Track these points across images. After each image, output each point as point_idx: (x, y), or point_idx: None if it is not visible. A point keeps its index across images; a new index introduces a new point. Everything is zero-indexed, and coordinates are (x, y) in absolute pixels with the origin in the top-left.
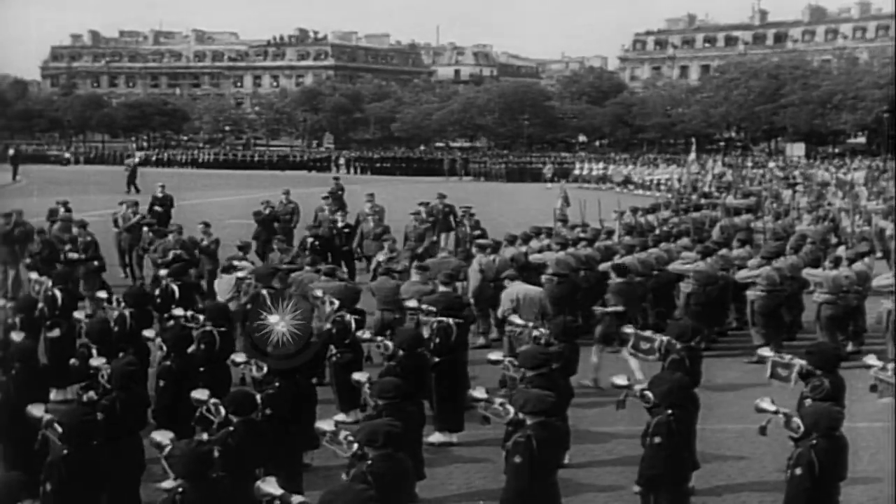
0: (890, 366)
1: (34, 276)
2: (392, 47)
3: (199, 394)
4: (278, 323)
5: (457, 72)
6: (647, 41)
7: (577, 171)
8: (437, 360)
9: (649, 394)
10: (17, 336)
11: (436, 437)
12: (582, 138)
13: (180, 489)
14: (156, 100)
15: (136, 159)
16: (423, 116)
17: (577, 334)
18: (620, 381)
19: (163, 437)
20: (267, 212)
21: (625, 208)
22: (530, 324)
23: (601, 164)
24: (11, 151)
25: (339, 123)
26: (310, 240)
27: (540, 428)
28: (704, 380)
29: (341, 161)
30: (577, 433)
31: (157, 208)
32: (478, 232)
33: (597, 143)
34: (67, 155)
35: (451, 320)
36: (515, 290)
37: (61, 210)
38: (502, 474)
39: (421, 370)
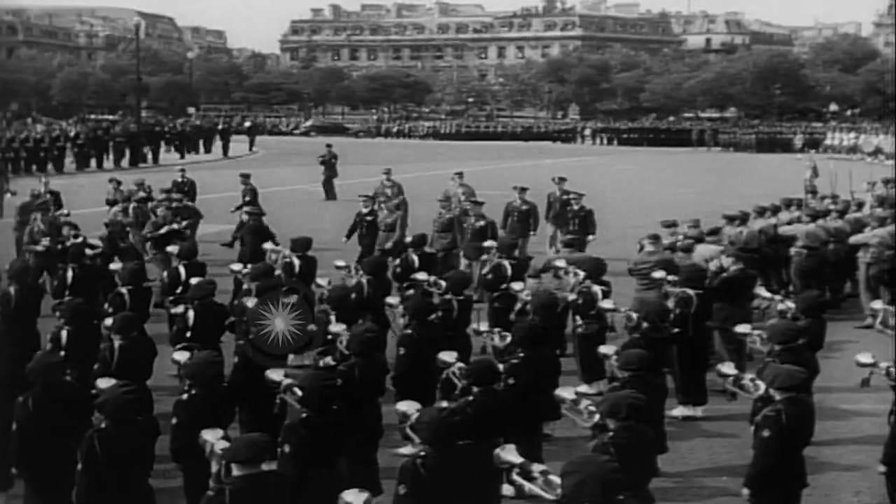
0: None
1: (270, 245)
2: (641, 16)
3: (447, 356)
4: (521, 292)
5: (708, 40)
6: None
7: (827, 142)
8: (676, 331)
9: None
10: (250, 302)
11: (679, 411)
12: (833, 107)
13: (422, 453)
14: (397, 72)
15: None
16: (672, 86)
17: (824, 309)
18: (865, 358)
19: (409, 406)
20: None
21: (876, 179)
22: (777, 297)
23: (852, 134)
24: (248, 123)
25: (585, 94)
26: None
27: (790, 403)
28: None
29: (586, 132)
30: (821, 410)
31: (175, 195)
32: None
33: (848, 113)
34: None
35: (692, 291)
36: (701, 251)
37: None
38: (747, 450)
39: (664, 343)
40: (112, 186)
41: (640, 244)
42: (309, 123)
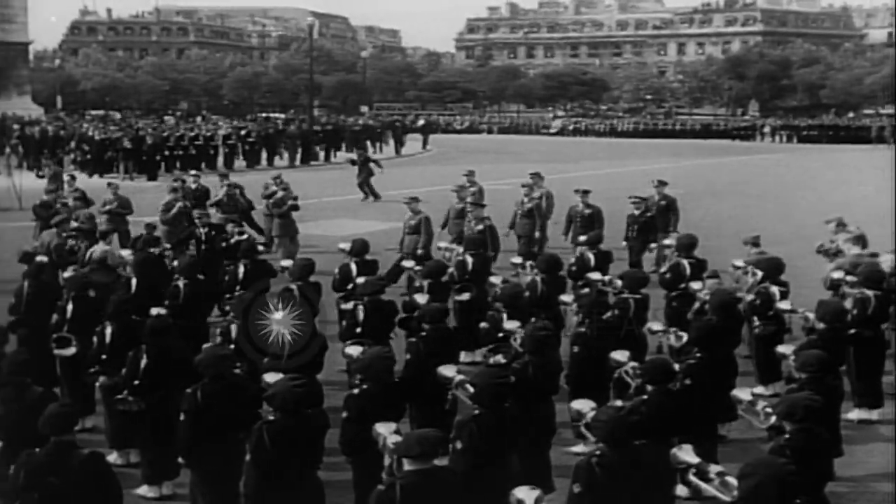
0: None
1: (444, 243)
2: (823, 10)
3: (619, 355)
4: (699, 291)
5: (890, 34)
6: None
7: None
8: (852, 332)
9: None
10: (421, 298)
11: (855, 414)
12: None
13: (598, 452)
14: (574, 69)
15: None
16: (853, 82)
17: None
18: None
19: (584, 405)
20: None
21: None
22: None
23: None
24: (422, 122)
25: (765, 91)
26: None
27: None
28: None
29: (766, 129)
30: None
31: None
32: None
33: None
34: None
35: (870, 292)
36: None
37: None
38: None
39: (841, 344)
40: (177, 185)
41: (836, 249)
42: (559, 123)
